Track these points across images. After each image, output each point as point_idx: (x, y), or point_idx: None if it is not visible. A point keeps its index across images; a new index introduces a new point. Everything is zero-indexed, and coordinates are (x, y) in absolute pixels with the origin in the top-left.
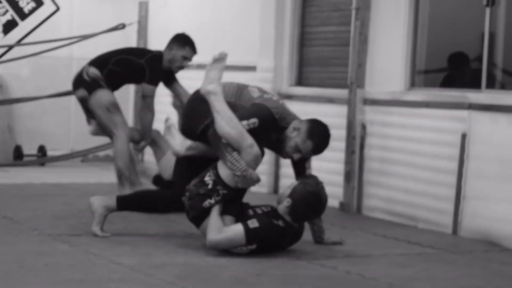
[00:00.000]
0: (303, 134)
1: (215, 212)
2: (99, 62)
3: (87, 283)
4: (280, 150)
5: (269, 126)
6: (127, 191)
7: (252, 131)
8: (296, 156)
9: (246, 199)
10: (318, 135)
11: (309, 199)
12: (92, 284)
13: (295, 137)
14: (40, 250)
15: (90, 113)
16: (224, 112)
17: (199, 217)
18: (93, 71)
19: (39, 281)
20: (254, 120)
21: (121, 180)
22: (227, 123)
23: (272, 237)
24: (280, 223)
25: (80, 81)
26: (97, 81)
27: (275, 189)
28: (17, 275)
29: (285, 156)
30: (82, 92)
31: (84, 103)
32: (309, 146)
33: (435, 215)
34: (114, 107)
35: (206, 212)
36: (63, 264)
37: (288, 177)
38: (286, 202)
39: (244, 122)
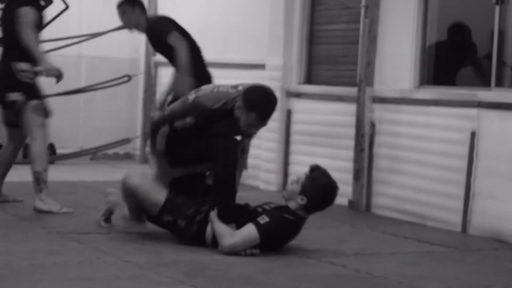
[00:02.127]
0: (243, 109)
1: (216, 219)
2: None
3: (96, 281)
4: (242, 133)
5: (210, 117)
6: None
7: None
8: (254, 130)
9: (256, 197)
10: (256, 102)
11: (324, 192)
12: (101, 282)
13: (241, 114)
14: (49, 248)
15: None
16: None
17: (198, 233)
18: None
19: (48, 279)
20: (189, 119)
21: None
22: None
23: (283, 230)
24: (291, 217)
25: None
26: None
27: (284, 187)
28: (27, 273)
29: (247, 135)
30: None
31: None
32: (254, 117)
33: (445, 213)
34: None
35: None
36: (72, 262)
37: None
38: (300, 200)
39: (180, 122)
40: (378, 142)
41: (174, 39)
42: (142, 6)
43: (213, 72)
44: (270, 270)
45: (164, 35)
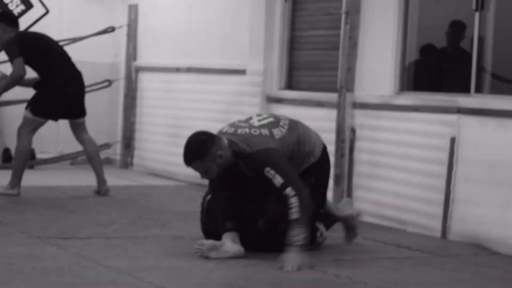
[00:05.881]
0: None
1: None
2: None
3: (76, 286)
4: None
5: None
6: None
7: None
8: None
9: None
10: None
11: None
12: (80, 287)
13: None
14: (29, 253)
15: None
16: None
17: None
18: None
19: (28, 284)
20: None
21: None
22: None
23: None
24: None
25: None
26: None
27: None
28: (6, 278)
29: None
30: None
31: None
32: None
33: (424, 218)
34: None
35: None
36: (52, 267)
37: None
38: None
39: None
40: (358, 148)
41: (14, 63)
42: (7, 23)
43: (194, 77)
44: (251, 275)
45: (10, 58)
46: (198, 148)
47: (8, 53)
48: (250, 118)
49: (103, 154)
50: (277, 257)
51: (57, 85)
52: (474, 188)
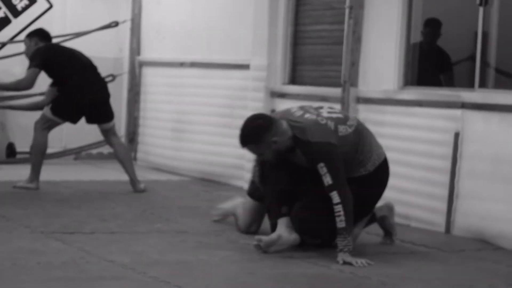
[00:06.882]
0: None
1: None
2: None
3: (79, 281)
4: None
5: None
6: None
7: None
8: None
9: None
10: None
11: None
12: (84, 282)
13: None
14: (32, 248)
15: None
16: None
17: None
18: None
19: (32, 279)
20: None
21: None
22: None
23: None
24: None
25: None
26: None
27: None
28: (10, 273)
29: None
30: None
31: None
32: None
33: (428, 214)
34: None
35: None
36: (55, 262)
37: None
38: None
39: None
40: None
41: (29, 72)
42: (40, 39)
43: (198, 72)
44: (255, 270)
45: (29, 65)
46: (253, 133)
47: (30, 59)
48: (321, 107)
49: (106, 149)
50: (282, 253)
51: (75, 91)
52: (478, 183)
